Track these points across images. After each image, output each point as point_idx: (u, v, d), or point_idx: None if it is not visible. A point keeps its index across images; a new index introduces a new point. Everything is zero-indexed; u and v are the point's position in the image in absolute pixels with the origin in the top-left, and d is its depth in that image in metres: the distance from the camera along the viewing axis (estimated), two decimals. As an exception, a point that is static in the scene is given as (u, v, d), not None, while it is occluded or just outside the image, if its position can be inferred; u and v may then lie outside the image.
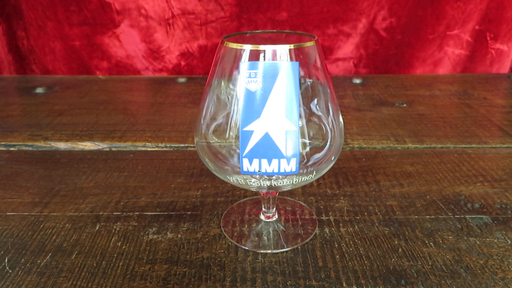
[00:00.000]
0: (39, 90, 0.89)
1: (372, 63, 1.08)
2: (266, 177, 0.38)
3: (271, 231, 0.42)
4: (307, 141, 0.36)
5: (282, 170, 0.35)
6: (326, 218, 0.44)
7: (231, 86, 0.35)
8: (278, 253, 0.39)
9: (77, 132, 0.67)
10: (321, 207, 0.46)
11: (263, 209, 0.43)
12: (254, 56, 0.33)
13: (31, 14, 1.05)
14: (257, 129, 0.33)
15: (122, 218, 0.45)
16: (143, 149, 0.62)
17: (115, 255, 0.39)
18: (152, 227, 0.43)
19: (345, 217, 0.44)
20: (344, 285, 0.35)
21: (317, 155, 0.37)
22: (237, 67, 0.34)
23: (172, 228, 0.43)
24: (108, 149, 0.62)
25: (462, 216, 0.44)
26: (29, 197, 0.49)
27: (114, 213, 0.45)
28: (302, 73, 0.35)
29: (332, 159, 0.38)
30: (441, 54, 1.06)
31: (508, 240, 0.40)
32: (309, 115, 0.36)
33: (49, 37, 1.06)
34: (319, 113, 0.36)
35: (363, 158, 0.58)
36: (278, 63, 0.33)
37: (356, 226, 0.43)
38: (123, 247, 0.40)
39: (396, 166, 0.55)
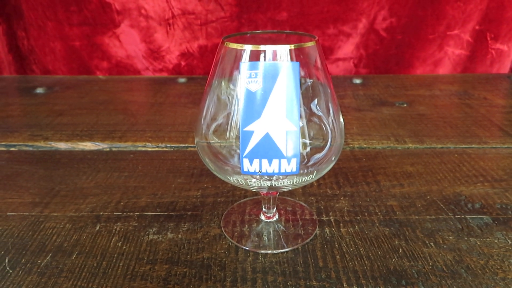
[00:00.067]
0: (39, 90, 0.89)
1: (372, 63, 1.08)
2: (266, 177, 0.38)
3: (271, 231, 0.42)
4: (307, 141, 0.36)
5: (282, 170, 0.35)
6: (327, 218, 0.44)
7: (231, 86, 0.35)
8: (278, 253, 0.39)
9: (77, 132, 0.67)
10: (322, 207, 0.46)
11: (264, 209, 0.43)
12: (255, 56, 0.33)
13: (31, 14, 1.05)
14: (258, 129, 0.33)
15: (123, 218, 0.45)
16: (143, 149, 0.62)
17: (115, 255, 0.39)
18: (152, 227, 0.43)
19: (346, 217, 0.44)
20: (344, 285, 0.35)
21: (318, 155, 0.37)
22: (238, 67, 0.34)
23: (172, 228, 0.43)
24: (108, 149, 0.62)
25: (463, 216, 0.44)
26: (29, 197, 0.49)
27: (114, 213, 0.45)
28: (302, 73, 0.35)
29: (333, 159, 0.38)
30: (441, 54, 1.06)
31: (509, 241, 0.40)
32: (309, 115, 0.36)
33: (49, 37, 1.06)
34: (320, 113, 0.36)
35: (363, 158, 0.58)
36: (279, 63, 0.33)
37: (356, 226, 0.43)
38: (124, 247, 0.40)
39: (396, 166, 0.55)
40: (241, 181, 0.37)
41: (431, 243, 0.40)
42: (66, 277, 0.36)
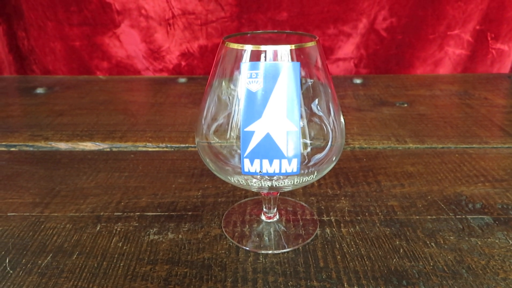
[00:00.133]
0: (40, 90, 0.89)
1: (373, 63, 1.08)
2: (267, 177, 0.38)
3: (272, 232, 0.42)
4: (308, 141, 0.36)
5: (283, 171, 0.34)
6: (327, 218, 0.44)
7: (232, 86, 0.35)
8: (279, 253, 0.39)
9: (78, 133, 0.67)
10: (322, 207, 0.46)
11: (264, 209, 0.43)
12: (255, 57, 0.33)
13: (31, 15, 1.05)
14: (258, 130, 0.33)
15: (123, 218, 0.45)
16: (144, 149, 0.62)
17: (116, 255, 0.39)
18: (153, 228, 0.43)
19: (346, 218, 0.44)
20: (345, 285, 0.35)
21: (318, 156, 0.37)
22: (238, 68, 0.34)
23: (173, 228, 0.43)
24: (108, 149, 0.62)
25: (464, 216, 0.44)
26: (29, 197, 0.49)
27: (115, 214, 0.45)
28: (303, 74, 0.35)
29: (333, 159, 0.38)
30: (442, 54, 1.06)
31: (510, 241, 0.40)
32: (310, 116, 0.36)
33: (50, 37, 1.06)
34: (320, 114, 0.36)
35: (364, 158, 0.58)
36: (279, 64, 0.33)
37: (357, 227, 0.43)
38: (124, 247, 0.40)
39: (397, 166, 0.55)
40: (241, 181, 0.37)
41: (432, 243, 0.40)
42: (66, 278, 0.36)
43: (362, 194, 0.49)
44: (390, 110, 0.77)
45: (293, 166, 0.34)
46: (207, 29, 1.04)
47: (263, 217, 0.44)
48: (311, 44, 0.35)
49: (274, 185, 0.38)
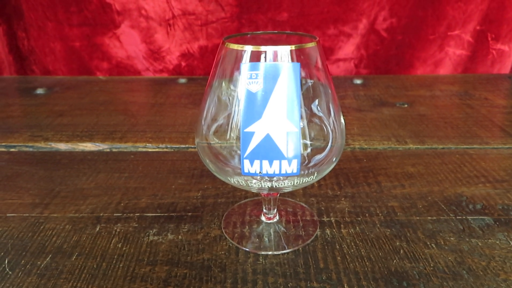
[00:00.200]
0: (40, 91, 0.89)
1: (373, 63, 1.08)
2: (267, 178, 0.38)
3: (272, 233, 0.42)
4: (308, 142, 0.36)
5: (283, 172, 0.34)
6: (327, 219, 0.44)
7: (232, 87, 0.35)
8: (279, 254, 0.39)
9: (78, 133, 0.67)
10: (322, 208, 0.46)
11: (264, 210, 0.43)
12: (255, 57, 0.33)
13: (31, 15, 1.05)
14: (258, 130, 0.33)
15: (123, 219, 0.44)
16: (144, 150, 0.62)
17: (115, 256, 0.39)
18: (152, 229, 0.43)
19: (346, 218, 0.44)
20: (345, 287, 0.35)
21: (318, 156, 0.37)
22: (238, 68, 0.34)
23: (172, 229, 0.43)
24: (108, 150, 0.62)
25: (464, 217, 0.44)
26: (29, 198, 0.49)
27: (114, 214, 0.45)
28: (303, 74, 0.35)
29: (334, 160, 0.38)
30: (442, 54, 1.06)
31: (510, 242, 0.40)
32: (310, 116, 0.36)
33: (49, 37, 1.06)
34: (320, 114, 0.36)
35: (364, 159, 0.58)
36: (279, 64, 0.33)
37: (357, 227, 0.43)
38: (124, 248, 0.40)
39: (397, 167, 0.55)
40: (241, 182, 0.37)
41: (432, 244, 0.40)
42: (66, 279, 0.36)
43: (362, 195, 0.49)
44: (390, 110, 0.76)
45: (293, 167, 0.34)
46: (207, 30, 1.04)
47: (263, 218, 0.44)
48: (311, 44, 0.35)
49: (274, 186, 0.38)
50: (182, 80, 0.97)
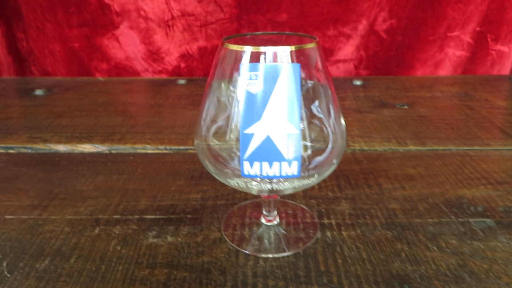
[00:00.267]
0: (39, 92, 0.89)
1: (373, 64, 1.07)
2: (267, 180, 0.37)
3: (272, 235, 0.42)
4: (308, 143, 0.36)
5: (283, 174, 0.34)
6: (328, 221, 0.44)
7: (231, 88, 0.35)
8: (279, 257, 0.39)
9: (77, 135, 0.67)
10: (323, 210, 0.46)
11: (264, 212, 0.43)
12: (255, 58, 0.33)
13: (30, 16, 1.04)
14: (258, 132, 0.33)
15: (122, 221, 0.44)
16: (143, 151, 0.61)
17: (114, 259, 0.39)
18: (152, 231, 0.43)
19: (347, 221, 0.44)
20: (346, 289, 0.35)
21: (319, 158, 0.37)
22: (238, 69, 0.33)
23: (172, 231, 0.42)
24: (107, 152, 0.61)
25: (465, 219, 0.44)
26: (28, 200, 0.48)
27: (113, 217, 0.45)
28: (303, 75, 0.34)
29: (334, 162, 0.38)
30: (442, 55, 1.06)
31: (512, 244, 0.40)
32: (310, 117, 0.36)
33: (49, 38, 1.06)
34: (321, 115, 0.36)
35: (364, 161, 0.57)
36: (279, 65, 0.33)
37: (358, 230, 0.42)
38: (123, 251, 0.40)
39: (398, 169, 0.55)
40: (241, 184, 0.37)
41: (434, 247, 0.40)
42: (64, 282, 0.36)
43: (362, 197, 0.48)
44: (390, 111, 0.76)
45: (294, 169, 0.34)
46: (207, 31, 1.04)
47: (263, 220, 0.43)
48: (311, 45, 0.34)
49: (274, 188, 0.37)
50: (181, 81, 0.97)
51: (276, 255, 0.39)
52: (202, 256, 0.39)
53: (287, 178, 0.35)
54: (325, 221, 0.44)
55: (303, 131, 0.35)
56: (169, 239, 0.41)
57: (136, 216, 0.45)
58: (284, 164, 0.34)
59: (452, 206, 0.46)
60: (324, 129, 0.36)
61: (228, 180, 0.37)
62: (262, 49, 0.33)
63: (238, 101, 0.34)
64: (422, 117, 0.73)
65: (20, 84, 0.98)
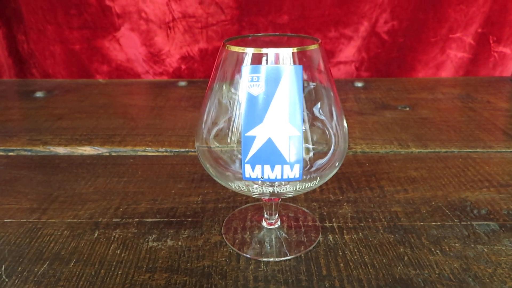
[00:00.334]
0: (39, 94, 0.89)
1: (374, 66, 1.07)
2: (268, 183, 0.37)
3: (273, 239, 0.41)
4: (310, 146, 0.35)
5: (285, 177, 0.34)
6: (330, 224, 0.43)
7: (233, 90, 0.35)
8: (280, 261, 0.38)
9: (77, 137, 0.66)
10: (324, 213, 0.45)
11: (265, 215, 0.42)
12: (256, 60, 0.33)
13: (31, 18, 1.04)
14: (260, 134, 0.33)
15: (122, 225, 0.44)
16: (143, 153, 0.61)
17: (114, 263, 0.38)
18: (152, 234, 0.42)
19: (349, 224, 0.43)
20: (349, 294, 0.34)
21: (321, 161, 0.36)
22: (239, 71, 0.33)
23: (172, 235, 0.42)
24: (107, 154, 0.61)
25: (469, 222, 0.43)
26: (27, 203, 0.48)
27: (113, 220, 0.45)
28: (305, 77, 0.34)
29: (336, 164, 0.37)
30: (444, 57, 1.05)
31: (517, 248, 0.40)
32: (312, 120, 0.35)
33: (49, 40, 1.06)
34: (323, 118, 0.36)
35: (366, 163, 0.57)
36: (281, 67, 0.32)
37: (360, 233, 0.42)
38: (122, 255, 0.39)
39: (400, 171, 0.55)
40: (242, 187, 0.36)
41: (437, 251, 0.39)
42: (63, 286, 0.35)
43: (365, 200, 0.48)
44: (392, 113, 0.76)
45: (295, 172, 0.34)
46: (208, 32, 1.04)
47: (264, 224, 0.43)
48: (313, 47, 0.34)
49: (275, 191, 0.37)
50: (182, 83, 0.97)
51: (277, 259, 0.38)
52: (202, 260, 0.38)
53: (289, 181, 0.34)
54: (327, 224, 0.43)
55: (305, 133, 0.34)
56: (169, 242, 0.41)
57: (136, 219, 0.45)
58: (286, 167, 0.33)
59: (455, 209, 0.46)
60: (327, 132, 0.36)
61: (229, 183, 0.36)
62: (264, 50, 0.32)
63: (240, 103, 0.33)
64: (424, 119, 0.73)
65: (20, 86, 0.98)
